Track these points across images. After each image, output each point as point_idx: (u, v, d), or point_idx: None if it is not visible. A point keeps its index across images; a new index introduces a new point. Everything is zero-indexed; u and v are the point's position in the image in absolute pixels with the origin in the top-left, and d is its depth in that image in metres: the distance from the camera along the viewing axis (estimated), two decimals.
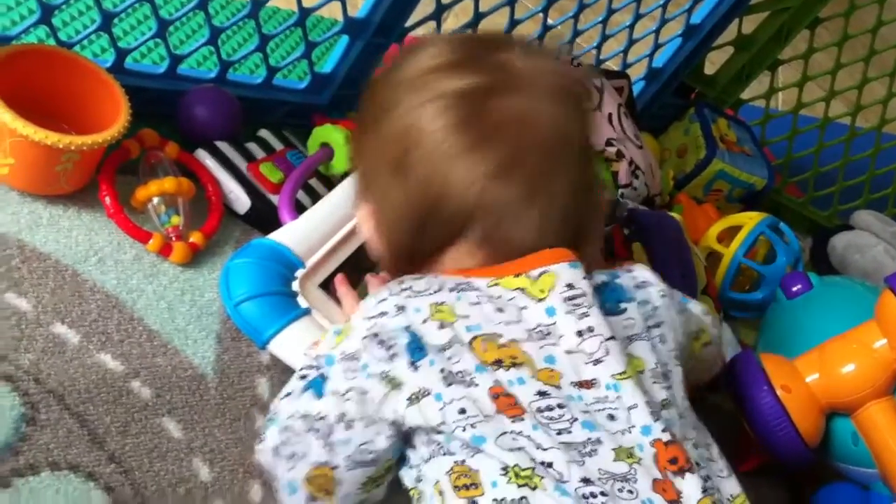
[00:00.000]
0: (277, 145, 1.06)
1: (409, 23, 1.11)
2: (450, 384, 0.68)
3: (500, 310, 0.72)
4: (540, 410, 0.68)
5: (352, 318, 0.75)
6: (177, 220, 0.93)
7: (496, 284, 0.73)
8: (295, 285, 0.88)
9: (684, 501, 0.67)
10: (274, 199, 0.99)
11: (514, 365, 0.69)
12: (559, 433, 0.67)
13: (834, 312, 1.10)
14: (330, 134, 1.04)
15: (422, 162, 0.74)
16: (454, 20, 1.16)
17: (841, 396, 0.97)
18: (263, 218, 0.98)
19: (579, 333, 0.71)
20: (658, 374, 0.74)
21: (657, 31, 1.35)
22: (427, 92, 0.75)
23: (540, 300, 0.72)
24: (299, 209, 0.97)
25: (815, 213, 1.58)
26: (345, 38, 1.10)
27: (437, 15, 1.12)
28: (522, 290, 0.73)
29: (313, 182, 1.05)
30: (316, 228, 0.93)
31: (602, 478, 0.66)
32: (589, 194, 0.80)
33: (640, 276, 0.80)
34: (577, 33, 1.28)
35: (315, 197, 1.02)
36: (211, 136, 1.01)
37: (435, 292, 0.72)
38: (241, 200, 0.98)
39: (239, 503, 0.79)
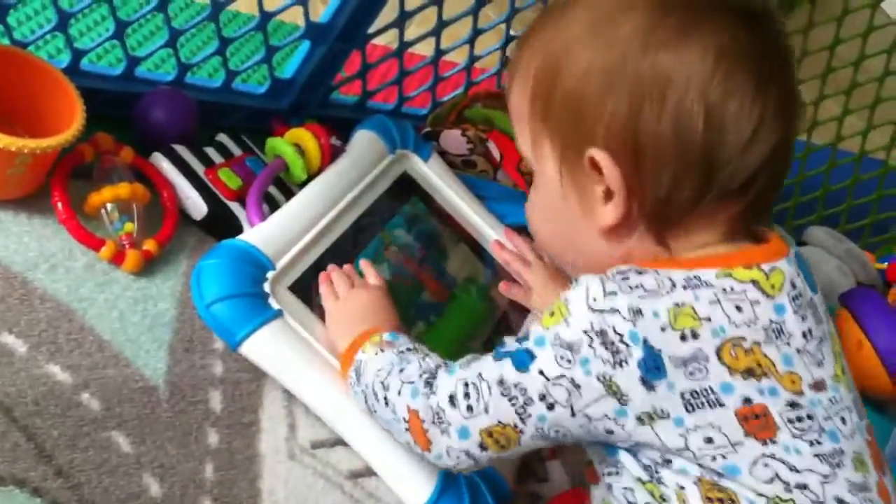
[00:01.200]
0: (236, 150, 1.04)
1: (371, 29, 1.10)
2: (693, 409, 0.64)
3: (739, 308, 0.65)
4: (791, 422, 0.65)
5: (569, 300, 0.67)
6: (130, 227, 0.91)
7: (728, 276, 0.66)
8: (266, 287, 0.87)
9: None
10: (232, 205, 0.98)
11: (763, 374, 0.65)
12: (811, 445, 0.65)
13: None
14: (281, 147, 1.02)
15: (690, 97, 0.65)
16: (416, 28, 1.14)
17: None
18: (221, 224, 0.97)
19: (804, 335, 0.67)
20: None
21: None
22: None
23: (770, 297, 0.66)
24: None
25: None
26: (306, 44, 1.09)
27: (401, 22, 1.11)
28: (755, 282, 0.66)
29: (271, 189, 1.03)
30: (286, 229, 0.93)
31: (851, 490, 0.65)
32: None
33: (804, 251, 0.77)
34: None
35: (272, 204, 1.00)
36: (168, 139, 0.99)
37: (669, 292, 0.65)
38: (197, 206, 0.96)
39: None
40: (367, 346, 0.83)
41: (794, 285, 0.68)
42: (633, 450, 0.68)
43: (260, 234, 0.91)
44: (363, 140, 1.07)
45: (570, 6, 0.71)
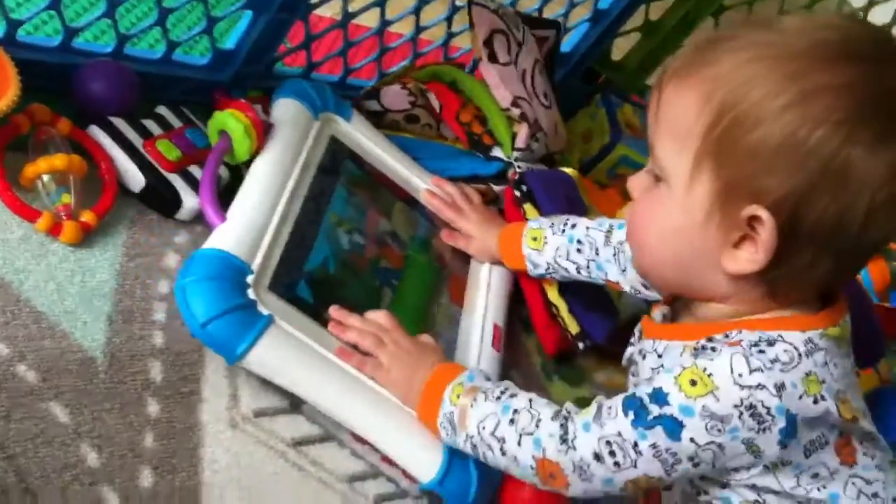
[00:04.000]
0: (176, 122, 1.03)
1: None
2: (809, 455, 0.74)
3: (836, 365, 0.75)
4: (862, 443, 0.77)
5: (714, 374, 0.72)
6: (67, 198, 0.90)
7: (825, 336, 0.75)
8: (251, 293, 0.85)
9: None
10: (171, 177, 0.97)
11: (856, 418, 0.75)
12: (873, 458, 0.78)
13: None
14: (227, 121, 0.99)
15: (863, 198, 0.70)
16: None
17: None
18: (159, 196, 0.96)
19: (854, 368, 0.79)
20: None
21: (565, 16, 1.35)
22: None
23: (847, 350, 0.77)
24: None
25: None
26: (248, 14, 1.08)
27: None
28: (840, 338, 0.76)
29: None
30: (251, 226, 0.91)
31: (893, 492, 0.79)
32: None
33: None
34: None
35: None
36: (106, 111, 0.98)
37: (798, 362, 0.73)
38: (135, 178, 0.95)
39: (128, 489, 0.77)
40: (450, 395, 0.86)
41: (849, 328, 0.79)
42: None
43: (229, 237, 0.88)
44: (287, 109, 1.05)
45: (774, 46, 0.71)
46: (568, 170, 1.24)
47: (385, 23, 1.19)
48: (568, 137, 1.42)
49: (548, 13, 1.34)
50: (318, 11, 1.12)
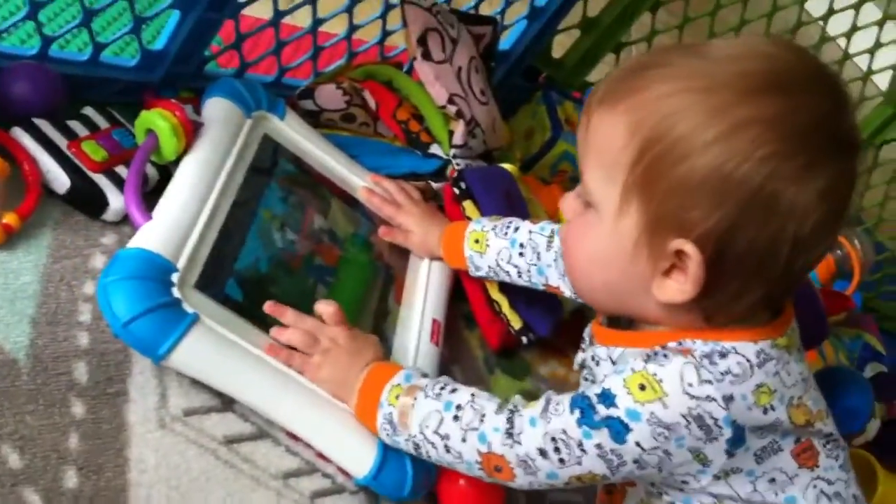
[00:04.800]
0: (103, 123, 1.02)
1: None
2: (762, 461, 0.75)
3: (788, 373, 0.76)
4: (825, 445, 0.79)
5: (663, 380, 0.72)
6: None
7: (775, 346, 0.76)
8: (176, 291, 0.84)
9: None
10: (97, 178, 0.95)
11: (810, 423, 0.77)
12: (836, 459, 0.79)
13: None
14: (154, 120, 0.97)
15: (790, 227, 0.70)
16: None
17: None
18: (85, 198, 0.94)
19: (809, 371, 0.80)
20: None
21: (502, 13, 1.35)
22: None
23: (795, 357, 0.78)
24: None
25: None
26: (175, 13, 1.06)
27: None
28: (788, 347, 0.77)
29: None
30: (176, 225, 0.89)
31: (858, 484, 0.82)
32: None
33: None
34: None
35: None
36: (29, 113, 0.96)
37: (750, 374, 0.73)
38: (59, 180, 0.93)
39: (51, 490, 0.75)
40: (388, 397, 0.85)
41: (797, 333, 0.80)
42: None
43: (153, 236, 0.87)
44: (218, 108, 1.03)
45: (702, 76, 0.71)
46: (506, 165, 1.24)
47: (317, 21, 1.18)
48: (510, 135, 1.42)
49: (484, 11, 1.33)
50: (253, 11, 1.11)
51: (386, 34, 1.28)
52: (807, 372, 0.79)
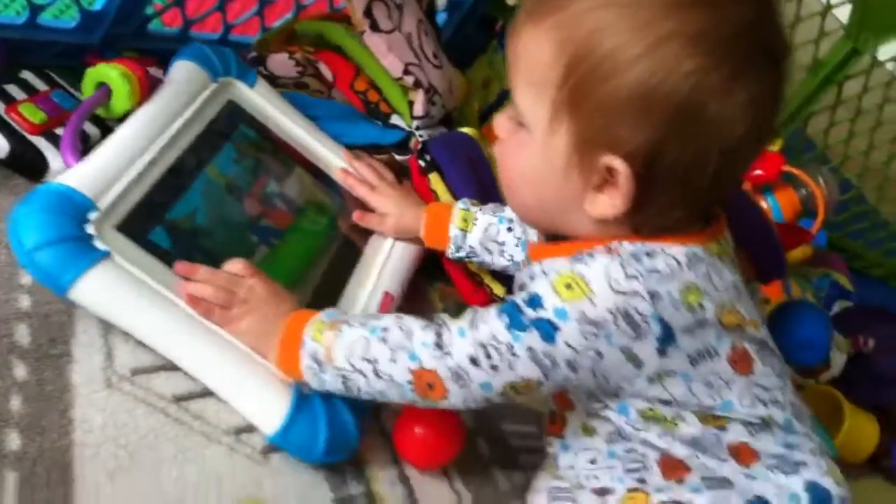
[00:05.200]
0: (41, 86, 1.01)
1: None
2: (696, 364, 0.75)
3: (721, 277, 0.76)
4: (758, 353, 0.79)
5: (590, 279, 0.73)
6: None
7: (707, 251, 0.76)
8: (90, 228, 0.84)
9: None
10: (36, 140, 0.94)
11: (743, 326, 0.77)
12: (772, 367, 0.80)
13: None
14: (105, 72, 0.98)
15: (716, 140, 0.71)
16: None
17: None
18: (25, 161, 0.93)
19: (742, 281, 0.80)
20: None
21: None
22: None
23: (727, 263, 0.78)
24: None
25: None
26: None
27: None
28: (721, 254, 0.78)
29: (87, 126, 0.99)
30: (106, 168, 0.89)
31: (794, 392, 0.83)
32: None
33: None
34: None
35: (86, 141, 0.97)
36: None
37: (678, 273, 0.74)
38: None
39: None
40: (312, 333, 0.83)
41: (730, 244, 0.81)
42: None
43: (78, 175, 0.87)
44: (182, 70, 1.03)
45: None
46: (467, 129, 1.22)
47: None
48: (467, 87, 1.41)
49: None
50: None
51: None
52: (739, 282, 0.80)
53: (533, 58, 0.74)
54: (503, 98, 1.36)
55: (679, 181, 0.73)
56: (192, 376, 0.86)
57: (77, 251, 0.82)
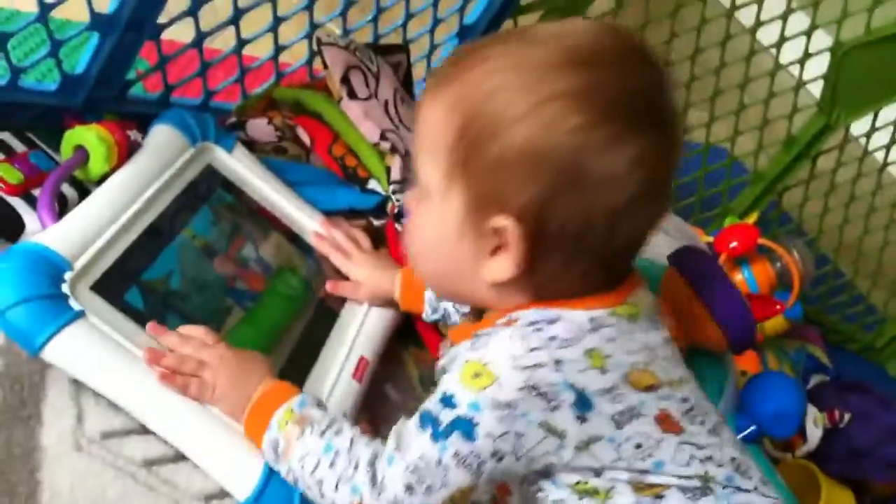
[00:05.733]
0: (19, 147, 1.01)
1: (162, 19, 1.07)
2: (621, 426, 0.74)
3: (629, 338, 0.76)
4: (685, 414, 0.77)
5: (491, 362, 0.73)
6: None
7: (613, 314, 0.76)
8: (65, 287, 0.83)
9: None
10: (12, 201, 0.94)
11: (658, 386, 0.76)
12: (702, 424, 0.78)
13: None
14: (83, 135, 0.98)
15: (603, 199, 0.71)
16: (212, 16, 1.12)
17: None
18: (1, 221, 0.93)
19: (663, 344, 0.79)
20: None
21: (431, 32, 1.36)
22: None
23: (639, 324, 0.77)
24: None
25: None
26: (95, 36, 1.05)
27: (194, 10, 1.09)
28: (631, 317, 0.77)
29: (65, 188, 0.99)
30: (82, 229, 0.89)
31: (734, 448, 0.80)
32: None
33: None
34: (347, 33, 1.27)
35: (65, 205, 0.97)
36: None
37: (580, 338, 0.73)
38: None
39: None
40: (279, 419, 0.82)
41: (647, 307, 0.79)
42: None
43: (54, 235, 0.87)
44: (161, 134, 1.04)
45: (519, 56, 0.72)
46: None
47: (241, 42, 1.18)
48: None
49: (412, 31, 1.34)
50: (179, 35, 1.10)
51: (313, 54, 1.27)
52: (658, 342, 0.78)
53: (430, 126, 0.76)
54: None
55: (571, 241, 0.73)
56: (162, 440, 0.85)
57: (51, 310, 0.81)
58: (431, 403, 0.75)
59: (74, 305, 0.83)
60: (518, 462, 0.74)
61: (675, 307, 0.99)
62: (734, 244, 1.43)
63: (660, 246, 1.43)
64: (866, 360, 1.91)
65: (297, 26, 1.22)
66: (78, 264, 0.85)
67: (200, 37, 1.13)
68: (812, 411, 1.30)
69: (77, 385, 0.84)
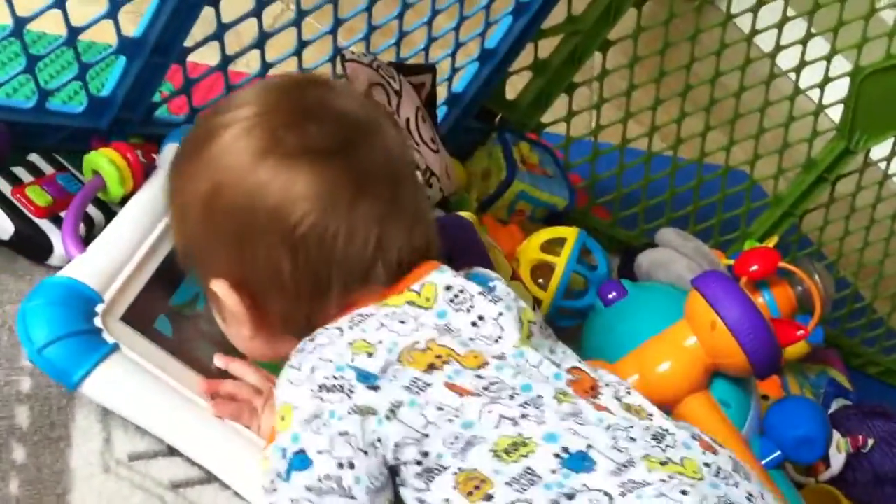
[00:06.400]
0: (47, 169, 1.02)
1: (188, 42, 1.08)
2: (417, 392, 0.72)
3: (403, 322, 0.76)
4: (485, 389, 0.73)
5: (281, 398, 0.75)
6: None
7: (385, 305, 0.77)
8: (98, 321, 0.84)
9: (612, 410, 0.75)
10: (41, 223, 0.94)
11: (445, 362, 0.74)
12: (511, 398, 0.73)
13: (648, 316, 1.14)
14: (96, 161, 1.00)
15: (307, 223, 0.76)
16: (235, 38, 1.13)
17: (659, 394, 0.96)
18: (30, 242, 0.94)
19: (473, 324, 0.77)
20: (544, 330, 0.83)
21: (452, 56, 1.36)
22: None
23: (427, 308, 0.77)
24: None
25: (622, 233, 1.60)
26: (122, 59, 1.06)
27: (220, 34, 1.10)
28: (410, 302, 0.77)
29: (91, 210, 1.00)
30: (109, 258, 0.89)
31: (563, 419, 0.72)
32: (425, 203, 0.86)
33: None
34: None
35: (91, 225, 0.98)
36: None
37: (340, 336, 0.75)
38: (3, 225, 0.93)
39: None
40: None
41: (449, 288, 0.79)
42: (402, 492, 0.74)
43: (82, 266, 0.87)
44: (173, 152, 1.03)
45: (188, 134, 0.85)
46: (465, 214, 1.23)
47: (266, 66, 1.18)
48: (467, 177, 1.43)
49: (434, 54, 1.34)
50: (204, 58, 1.11)
51: (337, 78, 1.28)
52: (449, 323, 0.77)
53: None
54: (503, 189, 1.37)
55: (270, 286, 0.78)
56: (188, 462, 0.85)
57: (86, 345, 0.82)
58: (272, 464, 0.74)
59: (108, 339, 0.83)
60: (367, 457, 0.71)
61: (698, 331, 0.99)
62: (755, 267, 1.42)
63: (680, 268, 1.44)
64: (887, 384, 1.90)
65: (320, 50, 1.23)
66: (108, 296, 0.86)
67: (226, 60, 1.14)
68: (835, 436, 1.29)
69: (104, 407, 0.84)
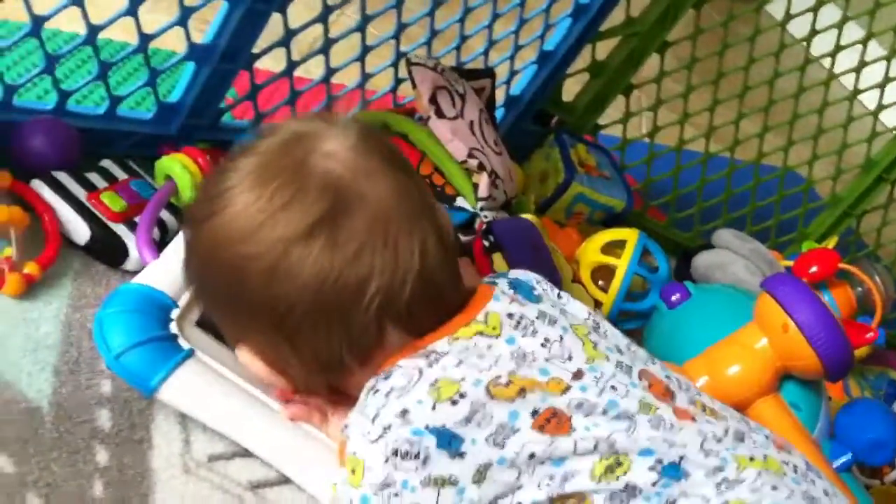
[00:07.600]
0: (121, 175, 1.03)
1: (256, 49, 1.09)
2: (503, 446, 0.70)
3: (481, 356, 0.73)
4: (577, 409, 0.72)
5: (353, 452, 0.70)
6: (9, 251, 0.89)
7: (456, 340, 0.74)
8: (173, 327, 0.85)
9: (693, 414, 0.76)
10: (116, 227, 0.96)
11: (531, 391, 0.72)
12: (604, 414, 0.72)
13: (714, 318, 1.14)
14: (169, 166, 1.02)
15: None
16: (305, 44, 1.14)
17: (729, 397, 0.97)
18: (106, 247, 0.95)
19: (543, 345, 0.75)
20: (599, 331, 0.81)
21: (511, 59, 1.36)
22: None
23: (497, 336, 0.75)
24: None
25: (678, 235, 1.60)
26: (190, 66, 1.08)
27: (287, 40, 1.11)
28: (480, 333, 0.75)
29: (164, 215, 1.01)
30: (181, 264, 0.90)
31: (653, 427, 0.72)
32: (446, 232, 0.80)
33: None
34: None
35: (164, 229, 0.99)
36: (47, 167, 0.97)
37: (419, 380, 0.71)
38: (79, 231, 0.94)
39: None
40: None
41: (510, 315, 0.76)
42: None
43: (155, 273, 0.88)
44: None
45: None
46: (529, 216, 1.23)
47: (330, 71, 1.19)
48: (525, 179, 1.43)
49: (493, 57, 1.35)
50: (268, 64, 1.12)
51: (398, 82, 1.29)
52: (521, 348, 0.74)
53: None
54: (561, 191, 1.37)
55: (282, 337, 0.74)
56: (267, 463, 0.86)
57: (163, 352, 0.83)
58: None
59: (184, 345, 0.84)
60: None
61: (769, 333, 0.98)
62: (814, 269, 1.41)
63: (738, 270, 1.43)
64: None
65: (382, 55, 1.24)
66: (182, 301, 0.87)
67: (291, 66, 1.15)
68: None
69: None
